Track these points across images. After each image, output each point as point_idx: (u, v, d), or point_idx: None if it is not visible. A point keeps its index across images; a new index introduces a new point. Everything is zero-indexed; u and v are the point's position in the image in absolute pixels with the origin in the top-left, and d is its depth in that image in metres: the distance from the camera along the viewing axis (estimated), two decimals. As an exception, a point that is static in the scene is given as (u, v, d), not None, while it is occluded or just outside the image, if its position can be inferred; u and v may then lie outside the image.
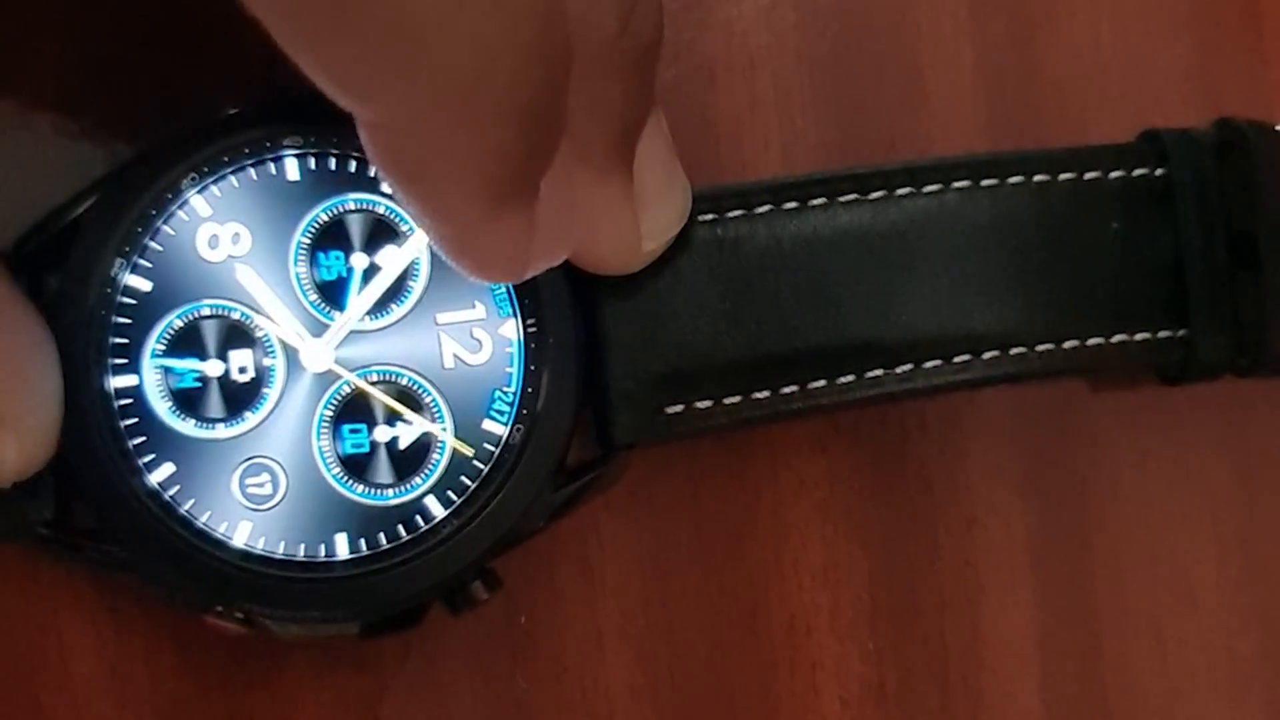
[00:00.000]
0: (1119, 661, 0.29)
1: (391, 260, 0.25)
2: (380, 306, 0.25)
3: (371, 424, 0.25)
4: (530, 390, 0.25)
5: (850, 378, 0.26)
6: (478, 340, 0.26)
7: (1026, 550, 0.29)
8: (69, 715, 0.27)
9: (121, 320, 0.25)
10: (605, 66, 0.21)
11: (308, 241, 0.25)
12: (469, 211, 0.20)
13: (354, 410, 0.25)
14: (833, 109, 0.29)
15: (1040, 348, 0.27)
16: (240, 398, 0.25)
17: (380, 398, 0.25)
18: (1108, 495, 0.29)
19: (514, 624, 0.28)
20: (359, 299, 0.25)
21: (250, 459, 0.25)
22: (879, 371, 0.26)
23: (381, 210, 0.25)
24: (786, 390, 0.26)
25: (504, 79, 0.18)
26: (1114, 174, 0.27)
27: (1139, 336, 0.27)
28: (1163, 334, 0.27)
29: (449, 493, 0.25)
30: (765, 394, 0.26)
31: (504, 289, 0.26)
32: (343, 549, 0.25)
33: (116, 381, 0.25)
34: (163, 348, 0.25)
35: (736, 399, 0.26)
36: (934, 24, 0.29)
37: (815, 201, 0.26)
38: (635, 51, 0.22)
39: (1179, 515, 0.29)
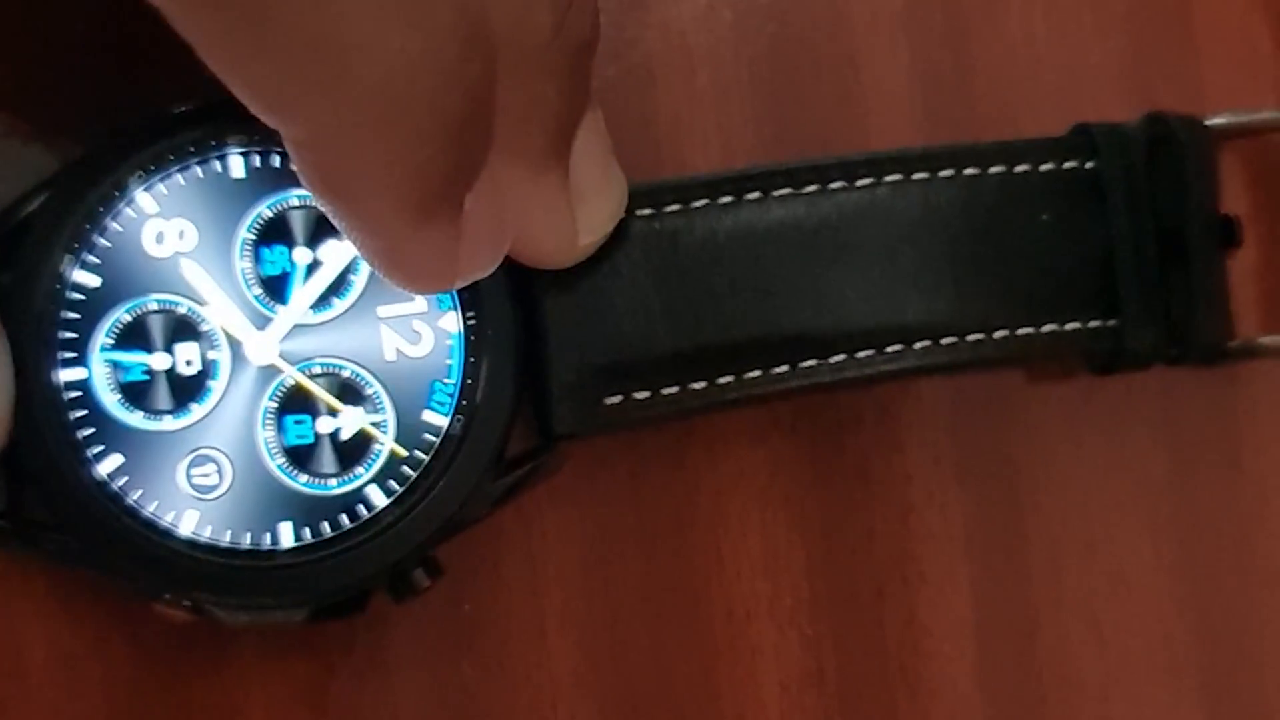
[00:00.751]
0: (1055, 647, 0.30)
1: (333, 255, 0.26)
2: (323, 300, 0.26)
3: (315, 415, 0.26)
4: (470, 382, 0.26)
5: (785, 368, 0.27)
6: (418, 332, 0.26)
7: (963, 538, 0.29)
8: (22, 704, 0.27)
9: (70, 315, 0.25)
10: (540, 66, 0.22)
11: (252, 237, 0.26)
12: (394, 226, 0.21)
13: (297, 402, 0.26)
14: (770, 106, 0.29)
15: (971, 337, 0.27)
16: (187, 390, 0.26)
17: (320, 394, 0.26)
18: (1043, 483, 0.30)
19: (459, 612, 0.28)
20: (302, 293, 0.26)
21: (196, 450, 0.26)
22: (813, 362, 0.27)
23: None
24: (723, 380, 0.27)
25: (424, 98, 0.19)
26: (1044, 167, 0.28)
27: (1069, 326, 0.28)
28: (1093, 324, 0.28)
29: (390, 482, 0.26)
30: (702, 384, 0.27)
31: None
32: (287, 538, 0.25)
33: (66, 375, 0.25)
34: (111, 341, 0.26)
35: (674, 389, 0.27)
36: (869, 22, 0.29)
37: (750, 196, 0.27)
38: (570, 52, 0.22)
39: (1114, 502, 0.30)
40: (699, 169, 0.29)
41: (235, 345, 0.26)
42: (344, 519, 0.26)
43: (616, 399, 0.27)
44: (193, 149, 0.26)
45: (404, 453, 0.26)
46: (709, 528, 0.29)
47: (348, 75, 0.18)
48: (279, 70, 0.18)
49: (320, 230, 0.26)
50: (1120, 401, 0.30)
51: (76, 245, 0.25)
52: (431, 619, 0.28)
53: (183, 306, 0.26)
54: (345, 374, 0.26)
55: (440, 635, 0.28)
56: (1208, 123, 0.29)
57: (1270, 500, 0.30)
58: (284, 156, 0.26)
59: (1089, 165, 0.28)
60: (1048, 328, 0.28)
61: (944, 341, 0.27)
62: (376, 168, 0.20)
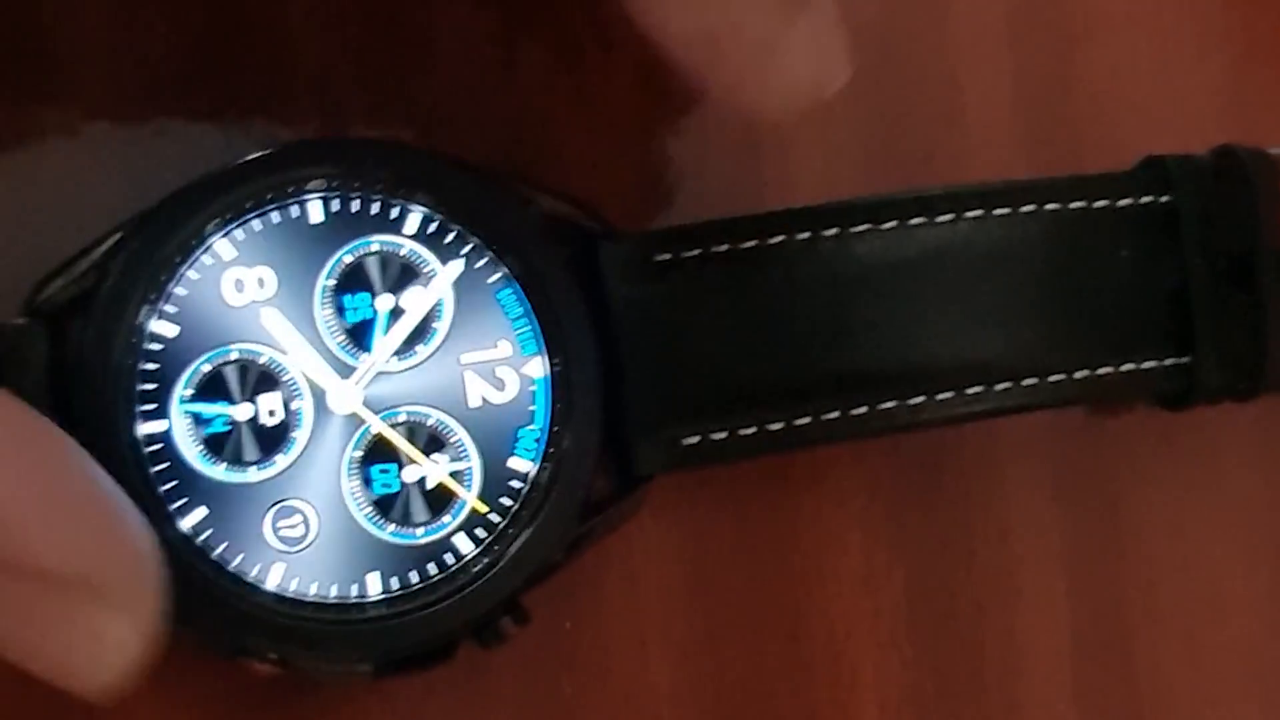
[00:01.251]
0: (1151, 668, 0.30)
1: (416, 301, 0.26)
2: (406, 347, 0.26)
3: (400, 464, 0.25)
4: (556, 428, 0.26)
5: (864, 409, 0.26)
6: (501, 379, 0.26)
7: (1060, 559, 0.29)
8: None
9: (149, 367, 0.25)
10: None
11: (333, 284, 0.25)
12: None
13: (382, 451, 0.25)
14: (874, 125, 0.29)
15: (1052, 378, 0.27)
16: (270, 441, 0.25)
17: (404, 444, 0.25)
18: (1140, 506, 0.30)
19: (559, 630, 0.28)
20: (385, 340, 0.26)
21: (282, 501, 0.25)
22: (892, 403, 0.26)
23: (404, 252, 0.26)
24: (800, 422, 0.26)
25: None
26: (1122, 202, 0.28)
27: (1146, 365, 0.27)
28: (1168, 361, 0.28)
29: (478, 530, 0.26)
30: (779, 425, 0.26)
31: (528, 328, 0.26)
32: (375, 588, 0.25)
33: (146, 428, 0.25)
34: (191, 393, 0.25)
35: (752, 430, 0.26)
36: (972, 40, 0.29)
37: (828, 233, 0.26)
38: None
39: (1209, 524, 0.30)
40: (803, 187, 0.29)
41: (318, 394, 0.25)
42: (431, 568, 0.25)
43: (694, 439, 0.26)
44: (271, 194, 0.25)
45: (489, 502, 0.26)
46: (809, 547, 0.29)
47: None
48: None
49: (402, 276, 0.26)
50: (1215, 424, 0.30)
51: (154, 295, 0.25)
52: (532, 636, 0.28)
53: (264, 356, 0.25)
54: (430, 422, 0.26)
55: (541, 652, 0.28)
56: (1272, 152, 0.28)
57: (1365, 524, 0.30)
58: (363, 201, 0.26)
59: (1164, 199, 0.28)
60: (1126, 367, 0.27)
61: (1025, 383, 0.27)
62: None
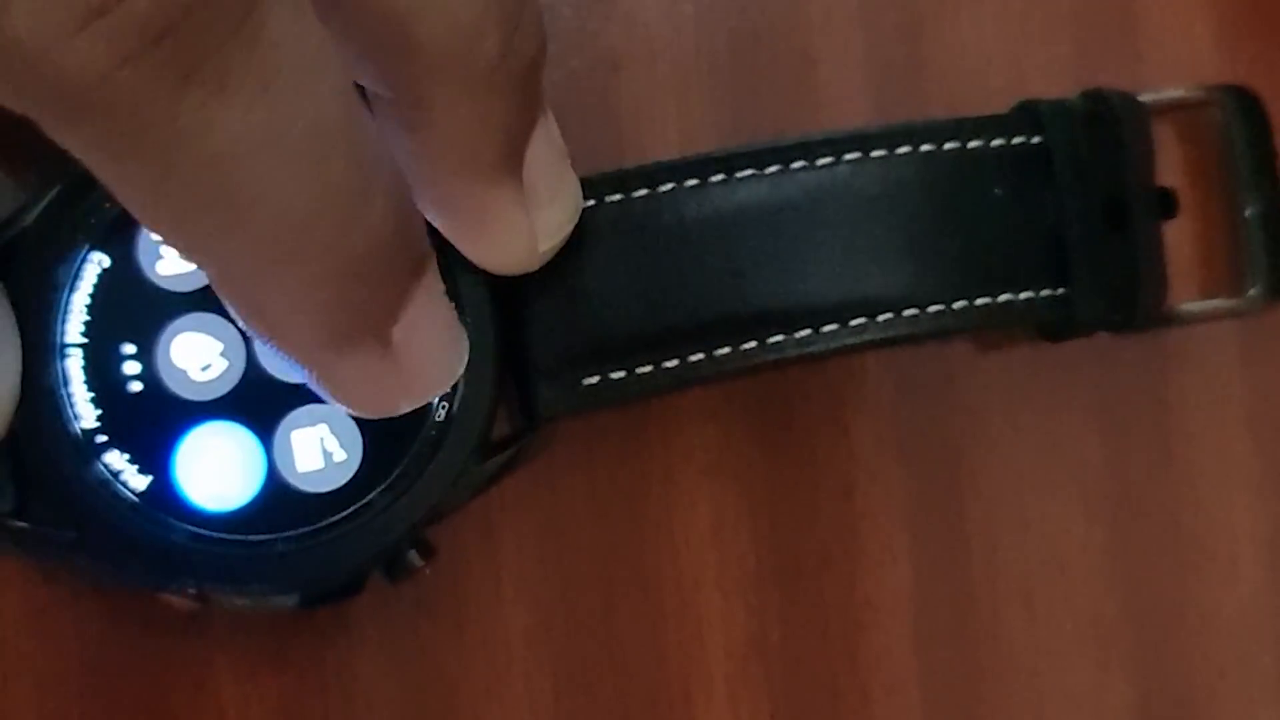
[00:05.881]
0: (990, 621, 0.31)
1: None
2: None
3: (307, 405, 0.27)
4: None
5: (753, 344, 0.28)
6: None
7: (904, 516, 0.31)
8: None
9: (68, 315, 0.26)
10: (489, 86, 0.23)
11: None
12: (317, 356, 0.22)
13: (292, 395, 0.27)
14: (729, 97, 0.30)
15: (931, 309, 0.28)
16: (186, 383, 0.27)
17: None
18: (981, 464, 0.31)
19: (419, 577, 0.29)
20: None
21: (198, 442, 0.27)
22: (780, 337, 0.28)
23: None
24: (695, 358, 0.28)
25: (321, 243, 0.20)
26: (995, 142, 0.29)
27: (1023, 296, 0.29)
28: (1044, 293, 0.29)
29: (381, 470, 0.27)
30: (675, 363, 0.28)
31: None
32: (286, 524, 0.27)
33: (63, 370, 0.26)
34: (115, 338, 0.26)
35: (649, 369, 0.28)
36: (825, 17, 0.31)
37: (715, 179, 0.28)
38: (519, 70, 0.23)
39: (1049, 484, 0.31)
40: (660, 157, 0.30)
41: (238, 345, 0.27)
42: (338, 504, 0.27)
43: (594, 380, 0.28)
44: None
45: (392, 442, 0.27)
46: (661, 500, 0.30)
47: (246, 222, 0.19)
48: (184, 217, 0.19)
49: None
50: (1057, 386, 0.31)
51: (73, 250, 0.26)
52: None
53: (190, 307, 0.26)
54: None
55: (400, 597, 0.29)
56: (1142, 98, 0.30)
57: (1198, 484, 0.31)
58: None
59: (1036, 140, 0.29)
60: (1003, 297, 0.29)
61: (906, 314, 0.28)
62: (286, 305, 0.21)
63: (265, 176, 0.18)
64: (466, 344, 0.24)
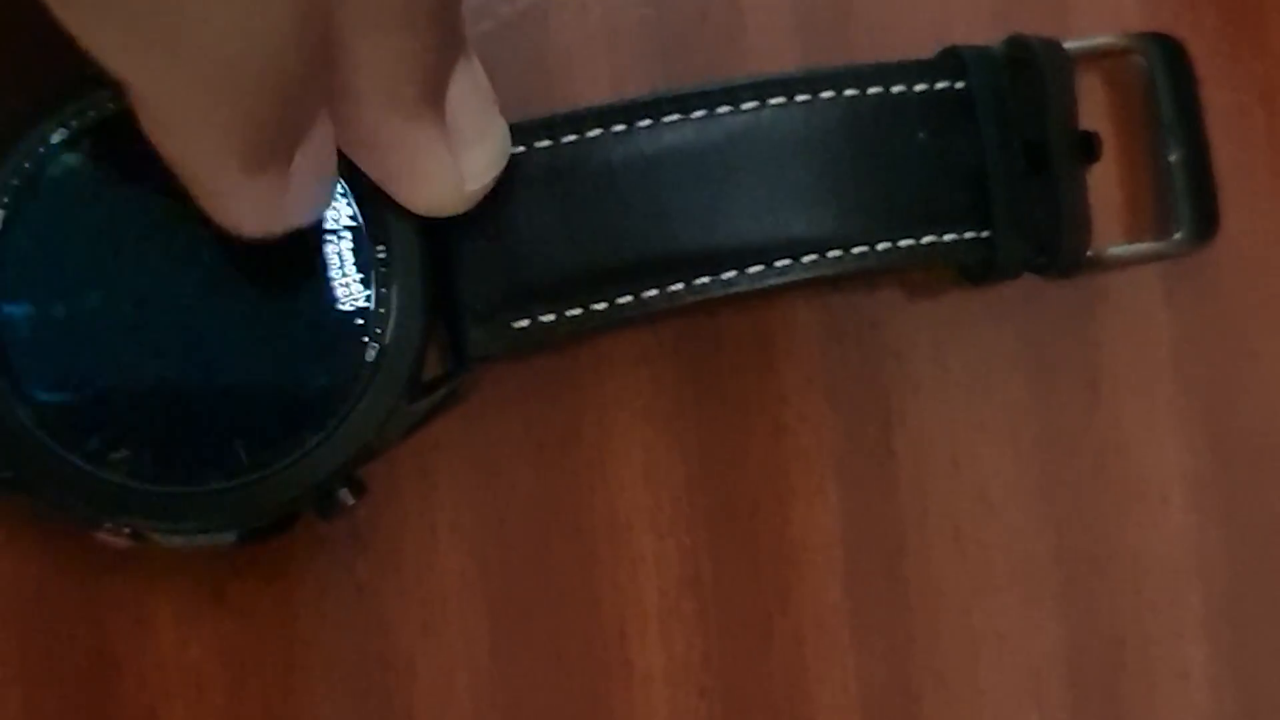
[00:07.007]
0: (920, 561, 0.31)
1: None
2: None
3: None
4: (382, 311, 0.27)
5: (680, 286, 0.29)
6: None
7: (833, 457, 0.31)
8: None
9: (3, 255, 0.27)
10: (404, 21, 0.23)
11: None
12: (225, 176, 0.23)
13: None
14: (658, 45, 0.31)
15: (855, 250, 0.29)
16: (119, 322, 0.27)
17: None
18: (910, 406, 0.31)
19: (354, 515, 0.30)
20: None
21: (131, 381, 0.27)
22: (707, 279, 0.29)
23: None
24: (623, 300, 0.28)
25: (258, 63, 0.21)
26: (918, 87, 0.29)
27: (946, 238, 0.29)
28: (968, 235, 0.29)
29: (313, 409, 0.27)
30: (603, 305, 0.28)
31: (356, 218, 0.27)
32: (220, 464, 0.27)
33: (3, 309, 0.27)
34: (48, 277, 0.27)
35: (578, 311, 0.28)
36: (753, -32, 0.31)
37: (642, 123, 0.28)
38: (433, 5, 0.24)
39: (977, 424, 0.32)
40: (591, 104, 0.31)
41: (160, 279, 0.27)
42: (269, 443, 0.27)
43: (524, 322, 0.28)
44: (112, 102, 0.26)
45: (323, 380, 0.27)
46: (594, 442, 0.31)
47: (187, 41, 0.20)
48: (123, 32, 0.20)
49: None
50: (984, 328, 0.32)
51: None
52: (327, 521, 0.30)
53: (119, 245, 0.27)
54: None
55: (335, 535, 0.30)
56: (1066, 45, 0.30)
57: (1123, 425, 0.32)
58: None
59: (959, 85, 0.29)
60: (926, 239, 0.29)
61: (830, 255, 0.29)
62: (210, 123, 0.21)
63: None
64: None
